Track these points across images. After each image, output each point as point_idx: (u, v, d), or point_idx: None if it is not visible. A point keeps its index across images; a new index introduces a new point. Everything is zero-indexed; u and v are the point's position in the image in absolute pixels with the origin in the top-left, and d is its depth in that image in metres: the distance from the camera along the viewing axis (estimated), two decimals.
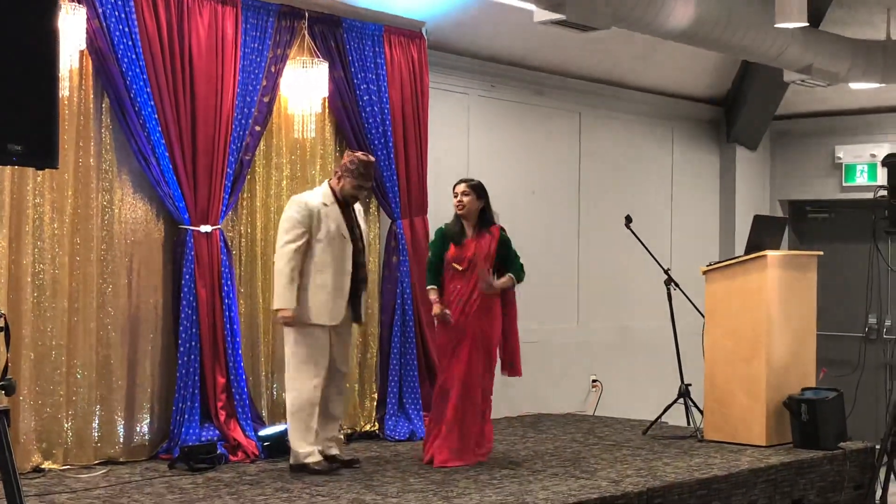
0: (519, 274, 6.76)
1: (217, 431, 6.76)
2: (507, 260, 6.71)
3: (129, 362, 6.67)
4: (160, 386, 6.82)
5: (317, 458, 6.27)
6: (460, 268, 6.58)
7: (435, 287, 6.64)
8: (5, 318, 3.60)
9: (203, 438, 6.67)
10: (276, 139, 7.32)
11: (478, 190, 6.68)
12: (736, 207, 10.98)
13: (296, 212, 6.28)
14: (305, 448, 6.26)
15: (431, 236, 7.00)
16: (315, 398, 6.29)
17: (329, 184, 6.45)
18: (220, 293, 6.86)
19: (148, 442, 6.73)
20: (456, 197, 6.67)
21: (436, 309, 6.58)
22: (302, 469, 6.23)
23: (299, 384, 6.28)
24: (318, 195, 6.39)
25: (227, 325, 6.87)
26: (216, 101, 6.85)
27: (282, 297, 6.21)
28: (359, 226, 6.52)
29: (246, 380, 7.01)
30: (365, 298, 6.69)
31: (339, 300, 6.34)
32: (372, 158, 6.62)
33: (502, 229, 6.77)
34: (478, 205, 6.65)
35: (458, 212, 6.66)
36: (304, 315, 6.24)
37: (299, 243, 6.22)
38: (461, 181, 6.77)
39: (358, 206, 6.59)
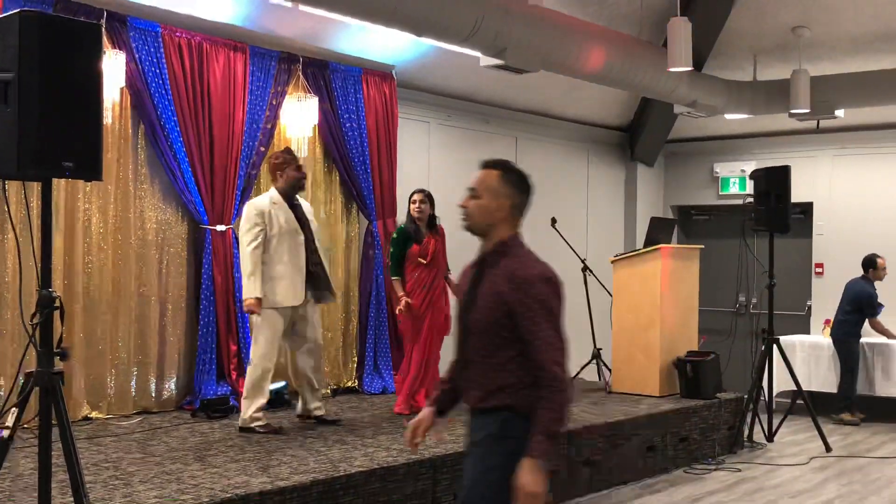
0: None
1: (229, 387, 6.77)
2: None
3: (160, 333, 6.65)
4: (185, 352, 6.81)
5: (263, 422, 5.78)
6: (425, 261, 6.56)
7: (399, 279, 6.50)
8: (60, 300, 3.58)
9: (219, 393, 6.68)
10: None
11: (430, 199, 6.65)
12: (637, 211, 11.05)
13: (252, 214, 5.81)
14: (255, 413, 5.78)
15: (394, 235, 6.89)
16: (270, 371, 5.82)
17: (274, 187, 5.96)
18: (232, 279, 6.86)
19: (175, 396, 6.72)
20: (415, 203, 6.55)
21: (402, 304, 6.42)
22: (249, 431, 5.73)
23: (259, 360, 5.78)
24: (267, 198, 5.90)
25: (238, 305, 6.85)
26: (229, 127, 6.84)
27: (247, 288, 5.72)
28: (307, 221, 6.03)
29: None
30: (325, 281, 6.11)
31: (298, 284, 5.85)
32: (285, 148, 6.29)
33: (443, 228, 6.73)
34: (430, 211, 6.62)
35: (416, 215, 6.55)
36: (270, 300, 5.77)
37: (257, 241, 5.76)
38: (419, 191, 6.65)
39: (307, 205, 6.14)
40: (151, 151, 6.58)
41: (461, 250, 9.11)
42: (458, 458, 5.26)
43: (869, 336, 9.14)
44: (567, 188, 10.39)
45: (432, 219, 6.67)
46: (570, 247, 8.29)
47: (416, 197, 6.61)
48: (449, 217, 8.81)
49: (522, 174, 3.19)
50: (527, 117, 9.77)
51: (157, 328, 6.64)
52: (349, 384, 7.74)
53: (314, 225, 6.15)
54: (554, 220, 8.29)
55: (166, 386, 6.68)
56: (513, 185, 3.10)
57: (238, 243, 6.87)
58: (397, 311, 6.56)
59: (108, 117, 6.10)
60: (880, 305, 9.04)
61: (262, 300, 5.77)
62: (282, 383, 6.71)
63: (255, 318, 5.88)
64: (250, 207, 5.88)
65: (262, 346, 5.83)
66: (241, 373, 6.83)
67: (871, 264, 9.12)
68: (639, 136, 10.93)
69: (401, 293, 6.48)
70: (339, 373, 7.75)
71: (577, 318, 9.24)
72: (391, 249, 6.64)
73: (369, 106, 7.79)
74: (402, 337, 6.87)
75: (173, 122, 6.52)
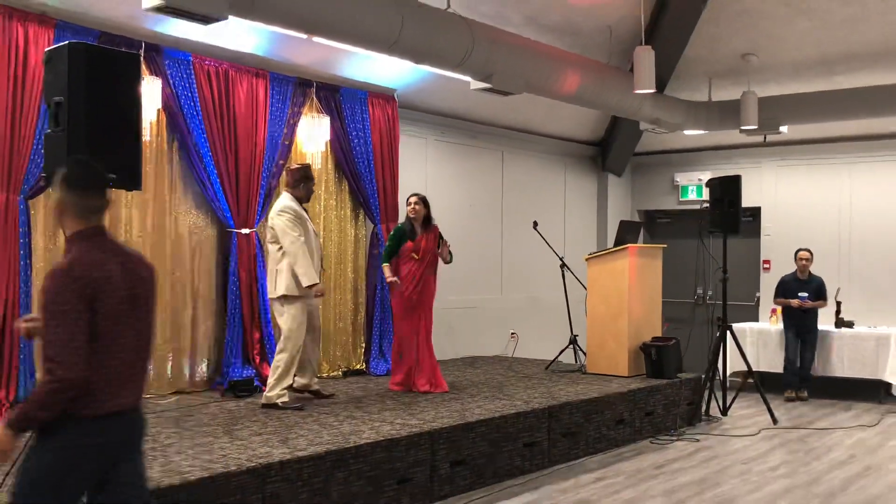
0: (450, 258, 6.73)
1: (254, 370, 6.76)
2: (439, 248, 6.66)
3: (193, 323, 6.64)
4: (215, 339, 6.80)
5: (287, 398, 5.75)
6: (417, 256, 6.57)
7: (388, 264, 6.55)
8: None
9: (244, 375, 6.67)
10: None
11: (424, 201, 6.66)
12: (608, 215, 11.05)
13: (292, 214, 5.79)
14: (281, 391, 5.75)
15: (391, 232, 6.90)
16: (299, 353, 5.81)
17: (290, 194, 5.89)
18: (256, 276, 6.85)
19: (207, 378, 6.72)
20: (410, 205, 6.59)
21: (391, 279, 6.47)
22: (273, 407, 5.68)
23: (293, 344, 5.75)
24: (294, 202, 5.84)
25: (260, 298, 6.86)
26: (252, 143, 6.83)
27: (310, 275, 5.67)
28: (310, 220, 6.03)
29: (273, 335, 6.98)
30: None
31: (317, 272, 5.87)
32: (306, 163, 6.30)
33: (438, 227, 6.72)
34: (424, 212, 6.61)
35: (412, 216, 6.57)
36: (300, 289, 5.71)
37: (302, 236, 5.76)
38: (414, 195, 6.68)
39: (306, 209, 6.07)
40: (184, 165, 6.58)
41: (472, 246, 9.27)
42: (454, 429, 5.26)
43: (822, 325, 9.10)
44: (547, 195, 10.39)
45: (427, 219, 6.67)
46: (550, 246, 8.30)
47: (411, 199, 6.63)
48: (444, 218, 8.89)
49: (75, 172, 2.79)
50: (512, 133, 9.77)
51: (191, 319, 6.63)
52: (358, 367, 7.74)
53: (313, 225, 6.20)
54: (535, 224, 8.31)
55: (199, 369, 6.68)
56: (63, 183, 2.77)
57: (261, 244, 6.91)
58: (388, 282, 6.54)
59: (146, 135, 6.10)
60: (800, 294, 8.96)
61: (293, 289, 5.72)
62: None
63: (281, 308, 5.76)
64: (288, 209, 5.79)
65: (295, 332, 5.80)
66: (264, 357, 6.84)
67: (794, 257, 9.19)
68: (609, 150, 10.93)
69: (388, 276, 6.50)
70: (350, 357, 7.75)
71: (556, 308, 9.30)
72: (387, 242, 6.68)
73: (374, 124, 7.80)
74: (393, 316, 6.89)
75: (203, 138, 6.52)
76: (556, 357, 8.16)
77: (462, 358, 8.91)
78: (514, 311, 9.80)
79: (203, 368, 6.69)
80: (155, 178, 6.38)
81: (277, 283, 5.82)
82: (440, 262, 6.68)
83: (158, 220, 6.42)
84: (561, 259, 8.28)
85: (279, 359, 5.84)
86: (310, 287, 5.75)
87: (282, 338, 5.88)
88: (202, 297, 6.72)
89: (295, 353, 5.81)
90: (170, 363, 6.46)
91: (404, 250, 6.58)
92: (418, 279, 6.54)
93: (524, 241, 9.81)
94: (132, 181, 3.69)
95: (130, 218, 6.21)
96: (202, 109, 6.48)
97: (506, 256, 9.82)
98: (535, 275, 10.06)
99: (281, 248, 5.80)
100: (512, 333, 9.68)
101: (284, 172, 6.36)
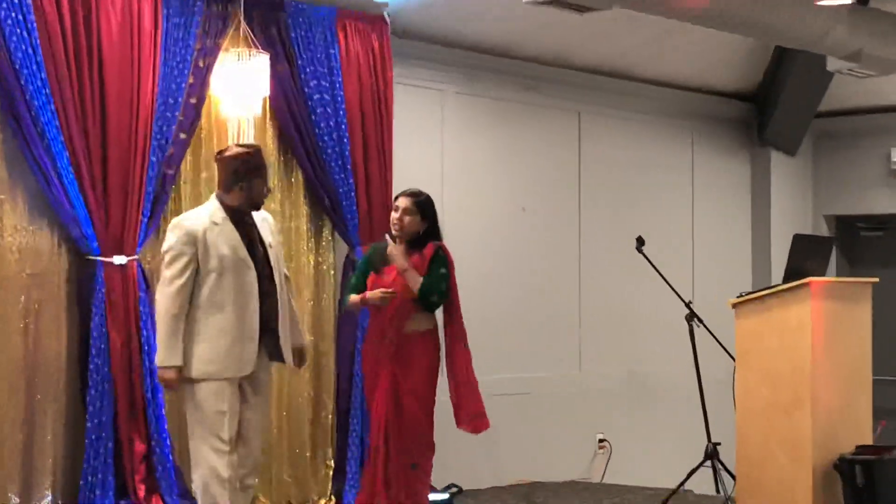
0: (429, 287, 6.40)
1: None
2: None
3: (24, 426, 6.59)
4: (64, 455, 6.75)
5: None
6: (377, 301, 6.44)
7: (351, 296, 6.57)
8: None
9: None
10: (207, 149, 7.28)
11: (423, 207, 6.46)
12: (772, 225, 11.00)
13: (178, 237, 5.89)
14: None
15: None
16: (225, 473, 5.84)
17: (218, 198, 6.05)
18: (139, 339, 6.81)
19: None
20: (396, 212, 6.44)
21: (372, 295, 6.37)
22: None
23: (204, 458, 5.85)
24: (205, 215, 5.98)
25: (148, 379, 6.79)
26: (131, 102, 6.82)
27: (164, 352, 5.82)
28: (263, 243, 6.10)
29: (171, 446, 6.92)
30: (287, 331, 6.20)
31: (249, 344, 5.95)
32: (255, 144, 6.43)
33: (439, 247, 6.52)
34: (420, 227, 6.45)
35: (395, 231, 6.45)
36: (202, 369, 5.87)
37: (183, 279, 5.83)
38: (405, 193, 6.52)
39: (265, 215, 6.25)
40: (10, 140, 6.56)
41: (528, 285, 9.23)
42: None
43: None
44: (660, 190, 10.33)
45: (426, 238, 6.51)
46: (667, 281, 8.22)
47: (397, 202, 6.51)
48: (472, 233, 8.82)
49: None
50: (595, 81, 9.76)
51: (21, 419, 6.57)
52: (322, 503, 7.67)
53: (275, 250, 6.18)
54: (641, 241, 8.22)
55: None
56: None
57: (146, 283, 6.86)
58: (372, 300, 6.42)
59: None
60: None
61: (189, 369, 5.83)
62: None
63: (185, 397, 5.93)
64: (177, 228, 5.93)
65: (205, 440, 5.84)
66: (153, 487, 6.78)
67: None
68: (772, 109, 10.89)
69: (361, 297, 6.48)
70: (306, 484, 7.71)
71: (679, 393, 9.20)
72: (352, 275, 6.79)
73: (349, 67, 7.80)
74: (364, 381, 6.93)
75: (44, 94, 6.50)
76: (682, 484, 8.07)
77: (511, 486, 8.85)
78: (604, 400, 9.75)
79: None
80: None
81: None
82: (453, 298, 6.60)
83: None
84: (687, 304, 8.21)
85: (196, 478, 5.92)
86: (160, 369, 5.90)
87: (192, 443, 5.95)
88: (42, 378, 6.67)
89: (214, 469, 5.82)
90: None
91: (369, 288, 6.52)
92: (378, 341, 6.50)
93: (619, 272, 9.71)
94: None
95: None
96: (43, 44, 6.48)
97: (586, 301, 9.76)
98: (639, 334, 9.98)
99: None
100: (601, 441, 9.60)
101: (215, 162, 6.35)
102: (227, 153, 6.07)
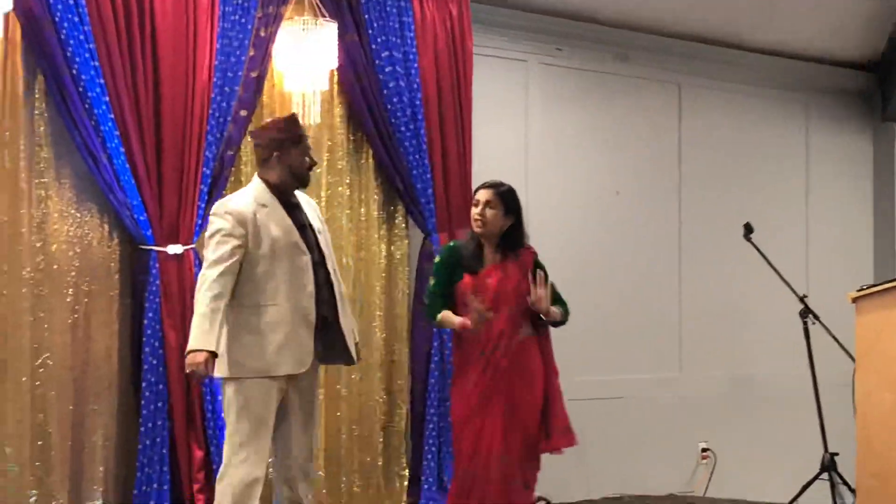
0: (566, 312, 6.57)
1: None
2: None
3: (73, 431, 6.69)
4: (116, 462, 6.85)
5: None
6: (481, 305, 6.38)
7: (444, 316, 6.39)
8: None
9: None
10: None
11: (507, 199, 6.42)
12: None
13: (224, 219, 5.83)
14: None
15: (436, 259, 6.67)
16: (259, 486, 5.83)
17: (260, 178, 6.03)
18: None
19: None
20: (476, 206, 6.41)
21: (469, 320, 6.22)
22: None
23: (237, 466, 5.79)
24: (249, 197, 5.95)
25: (206, 379, 6.85)
26: (187, 77, 6.91)
27: (199, 335, 5.64)
28: (312, 227, 6.09)
29: None
30: (351, 328, 6.22)
31: (305, 337, 5.90)
32: (291, 112, 6.39)
33: (536, 256, 6.53)
34: (503, 222, 6.40)
35: (477, 227, 6.41)
36: (252, 366, 5.82)
37: (230, 262, 5.74)
38: (486, 185, 6.47)
39: (308, 200, 6.25)
40: (58, 119, 6.66)
41: (623, 278, 9.21)
42: None
43: None
44: (770, 171, 10.28)
45: (512, 235, 6.48)
46: (778, 273, 8.19)
47: (479, 195, 6.48)
48: (557, 224, 8.84)
49: None
50: (697, 49, 9.75)
51: (69, 422, 6.68)
52: None
53: (324, 236, 6.17)
54: (749, 229, 8.20)
55: None
56: None
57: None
58: (466, 327, 6.30)
59: None
60: None
61: (239, 367, 5.78)
62: None
63: (227, 397, 5.87)
64: (222, 209, 5.89)
65: (243, 439, 5.81)
66: (212, 498, 6.82)
67: None
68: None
69: (456, 321, 6.34)
70: (379, 497, 7.78)
71: (793, 399, 9.15)
72: (429, 282, 6.58)
73: (425, 36, 7.86)
74: (452, 420, 6.77)
75: (93, 68, 6.59)
76: (795, 498, 8.04)
77: (603, 500, 8.91)
78: (708, 406, 9.74)
79: None
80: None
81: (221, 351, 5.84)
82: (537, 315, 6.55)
83: (7, 227, 6.51)
84: (801, 299, 8.17)
85: (219, 489, 5.86)
86: (190, 352, 5.70)
87: (227, 445, 5.90)
88: (93, 378, 6.78)
89: (249, 476, 5.79)
90: None
91: (460, 293, 6.43)
92: (489, 354, 6.37)
93: (724, 263, 9.68)
94: None
95: None
96: (91, 14, 6.56)
97: (687, 296, 9.78)
98: (746, 332, 9.96)
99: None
100: (703, 451, 9.62)
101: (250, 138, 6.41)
102: (259, 126, 6.09)
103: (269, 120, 6.13)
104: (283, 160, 5.94)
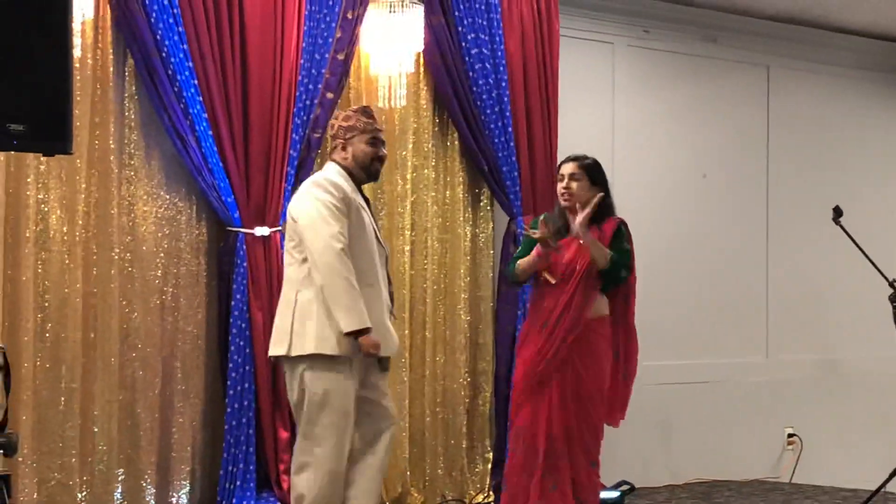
0: (619, 260, 6.32)
1: (279, 503, 6.83)
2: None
3: (161, 411, 6.77)
4: (203, 442, 6.93)
5: None
6: (553, 279, 6.32)
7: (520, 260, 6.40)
8: (4, 354, 3.60)
9: None
10: None
11: (592, 172, 6.39)
12: None
13: (332, 197, 5.67)
14: None
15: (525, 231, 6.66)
16: (341, 475, 5.77)
17: (337, 163, 5.93)
18: None
19: None
20: (562, 181, 6.39)
21: (538, 234, 6.18)
22: None
23: (323, 457, 5.68)
24: (340, 177, 5.83)
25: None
26: (274, 59, 6.94)
27: (355, 313, 5.54)
28: (375, 224, 6.01)
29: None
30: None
31: (388, 321, 5.86)
32: (364, 105, 6.33)
33: (622, 223, 6.44)
34: (591, 193, 6.33)
35: (564, 202, 6.39)
36: (344, 345, 5.65)
37: (346, 240, 5.63)
38: (569, 159, 6.45)
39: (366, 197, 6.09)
40: (147, 102, 6.72)
41: (709, 262, 9.18)
42: None
43: None
44: (861, 154, 10.15)
45: (603, 208, 6.40)
46: (867, 256, 8.08)
47: (564, 169, 6.41)
48: (644, 203, 8.78)
49: None
50: (786, 30, 9.66)
51: (157, 402, 6.76)
52: (481, 500, 7.76)
53: (380, 234, 6.08)
54: (838, 212, 8.09)
55: (173, 499, 6.79)
56: None
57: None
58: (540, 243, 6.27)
59: (76, 46, 6.19)
60: None
61: (327, 345, 5.62)
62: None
63: (305, 379, 5.70)
64: (329, 184, 5.73)
65: (326, 430, 5.71)
66: None
67: None
68: None
69: (532, 254, 6.32)
70: (463, 480, 7.79)
71: (882, 384, 9.04)
72: (518, 251, 6.59)
73: (511, 18, 7.83)
74: (512, 390, 6.68)
75: (182, 51, 6.65)
76: (883, 484, 7.95)
77: (687, 485, 8.87)
78: (794, 391, 9.69)
79: (181, 498, 6.82)
80: (91, 127, 6.53)
81: (298, 332, 5.73)
82: (630, 283, 6.45)
83: (98, 209, 6.57)
84: (891, 283, 8.05)
85: (300, 483, 5.76)
86: (355, 335, 5.59)
87: (301, 437, 5.80)
88: (180, 359, 6.85)
89: (331, 471, 5.71)
90: (118, 488, 6.61)
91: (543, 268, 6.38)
92: (551, 327, 6.28)
93: (813, 246, 9.58)
94: (55, 136, 3.74)
95: (45, 205, 6.38)
96: (181, 1, 6.62)
97: (775, 280, 9.69)
98: (834, 316, 9.85)
99: (306, 260, 5.75)
100: (790, 437, 9.55)
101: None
102: (339, 114, 6.04)
103: (346, 111, 6.06)
104: (348, 148, 5.91)
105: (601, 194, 6.31)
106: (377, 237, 5.91)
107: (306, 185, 5.82)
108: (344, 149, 5.91)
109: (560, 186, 6.38)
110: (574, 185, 6.33)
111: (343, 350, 5.61)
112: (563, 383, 6.27)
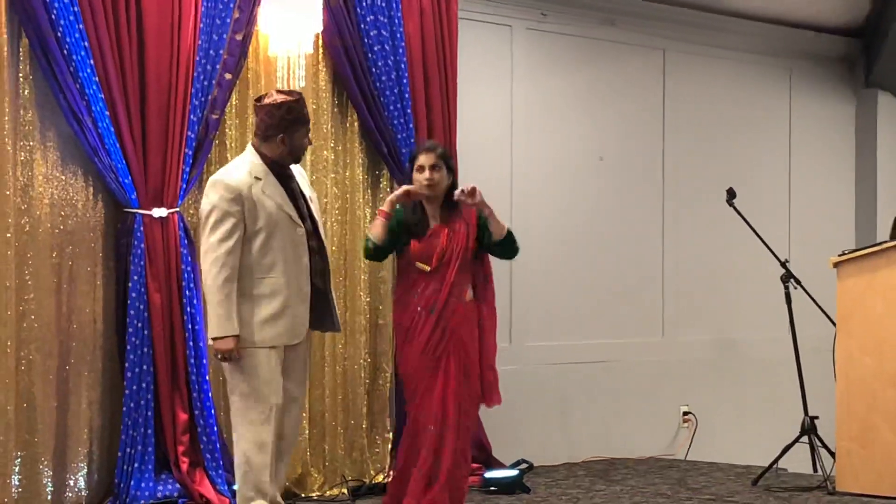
0: (513, 235, 6.47)
1: (178, 485, 6.80)
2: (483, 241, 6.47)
3: (58, 393, 6.69)
4: (101, 425, 6.85)
5: None
6: (428, 268, 6.39)
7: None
8: None
9: (159, 495, 6.69)
10: (254, 90, 7.33)
11: (447, 159, 6.46)
12: (878, 176, 10.89)
13: (221, 198, 5.82)
14: None
15: None
16: (269, 449, 5.90)
17: (254, 148, 6.04)
18: (181, 299, 6.89)
19: (86, 500, 6.75)
20: (423, 172, 6.37)
21: (398, 192, 6.34)
22: None
23: (247, 431, 5.87)
24: (244, 171, 5.94)
25: (191, 342, 6.89)
26: (171, 39, 6.88)
27: (220, 322, 5.78)
28: (305, 197, 6.13)
29: (216, 416, 7.01)
30: (334, 296, 6.29)
31: (300, 308, 5.98)
32: (298, 91, 6.35)
33: (480, 211, 6.47)
34: (448, 181, 6.43)
35: (428, 192, 6.42)
36: (251, 338, 5.87)
37: (231, 242, 5.78)
38: (427, 149, 6.47)
39: (299, 169, 6.25)
40: (42, 82, 6.64)
41: (607, 243, 9.21)
42: None
43: None
44: (753, 137, 10.27)
45: (451, 193, 6.47)
46: (761, 238, 8.20)
47: (424, 159, 6.42)
48: (543, 188, 8.83)
49: None
50: (682, 14, 9.73)
51: (54, 385, 6.68)
52: (381, 479, 7.74)
53: (315, 204, 6.18)
54: (731, 194, 8.20)
55: (70, 483, 6.72)
56: None
57: (189, 237, 6.95)
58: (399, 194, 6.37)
59: None
60: None
61: (242, 338, 5.81)
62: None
63: (227, 367, 5.90)
64: (219, 185, 5.88)
65: (249, 410, 5.85)
66: (197, 460, 6.88)
67: None
68: (880, 45, 10.75)
69: (390, 197, 6.41)
70: (362, 460, 7.79)
71: (774, 363, 9.17)
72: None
73: (410, 0, 7.82)
74: (400, 372, 6.78)
75: (78, 31, 6.57)
76: (775, 461, 8.07)
77: (585, 463, 8.91)
78: (689, 370, 9.76)
79: (79, 482, 6.75)
80: None
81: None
82: (488, 265, 6.53)
83: None
84: (783, 264, 8.18)
85: (237, 464, 5.90)
86: (212, 341, 5.86)
87: (234, 412, 5.93)
88: (77, 341, 6.78)
89: (258, 444, 5.84)
90: (15, 473, 6.52)
91: (408, 256, 6.44)
92: (439, 311, 6.37)
93: (707, 228, 9.69)
94: None
95: None
96: None
97: (670, 261, 9.79)
98: (728, 297, 9.98)
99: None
100: (685, 415, 9.64)
101: (254, 110, 6.37)
102: (268, 100, 6.02)
103: (278, 96, 6.02)
104: (286, 141, 5.96)
105: (472, 184, 6.39)
106: (296, 215, 5.96)
107: (209, 181, 5.98)
108: (282, 142, 5.95)
109: (422, 177, 6.36)
110: (436, 175, 6.37)
111: (262, 338, 5.87)
112: (455, 364, 6.34)
